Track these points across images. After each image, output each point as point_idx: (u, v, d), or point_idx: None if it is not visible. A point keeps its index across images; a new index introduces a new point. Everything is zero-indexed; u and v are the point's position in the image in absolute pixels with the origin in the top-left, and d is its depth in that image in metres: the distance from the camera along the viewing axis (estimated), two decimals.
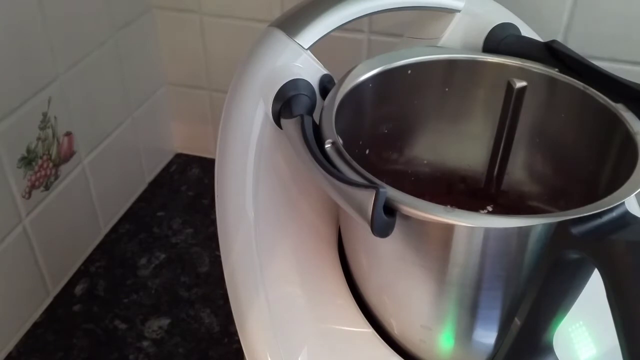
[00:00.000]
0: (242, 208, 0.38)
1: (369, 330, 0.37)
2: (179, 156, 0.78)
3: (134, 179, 0.71)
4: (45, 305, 0.58)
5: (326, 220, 0.40)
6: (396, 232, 0.29)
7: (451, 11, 0.44)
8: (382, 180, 0.30)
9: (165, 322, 0.57)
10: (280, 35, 0.38)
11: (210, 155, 0.78)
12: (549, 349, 0.35)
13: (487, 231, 0.30)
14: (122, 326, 0.56)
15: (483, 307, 0.33)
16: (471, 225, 0.30)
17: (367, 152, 0.40)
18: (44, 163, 0.55)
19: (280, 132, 0.37)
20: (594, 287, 0.31)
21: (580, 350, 0.39)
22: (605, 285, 0.27)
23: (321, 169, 0.30)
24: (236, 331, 0.38)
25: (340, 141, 0.33)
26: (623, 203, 0.29)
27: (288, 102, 0.36)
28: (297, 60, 0.38)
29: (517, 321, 0.33)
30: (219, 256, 0.39)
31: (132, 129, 0.68)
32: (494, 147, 0.42)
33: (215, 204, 0.39)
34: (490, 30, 0.42)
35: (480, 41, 0.43)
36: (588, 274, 0.32)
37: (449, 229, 0.30)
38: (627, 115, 0.34)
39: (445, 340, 0.36)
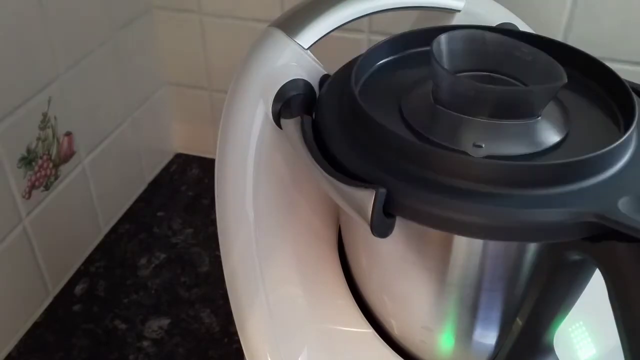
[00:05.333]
0: (242, 208, 0.38)
1: (369, 330, 0.37)
2: (179, 156, 0.78)
3: (134, 179, 0.71)
4: (45, 305, 0.58)
5: (326, 220, 0.40)
6: (396, 233, 0.29)
7: (451, 11, 0.44)
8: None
9: (165, 322, 0.57)
10: (280, 36, 0.38)
11: (210, 155, 0.78)
12: (549, 349, 0.35)
13: None
14: (122, 326, 0.56)
15: (484, 308, 0.33)
16: None
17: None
18: (44, 163, 0.55)
19: (280, 132, 0.37)
20: (594, 287, 0.31)
21: (580, 350, 0.39)
22: (607, 286, 0.27)
23: (321, 169, 0.30)
24: (236, 331, 0.38)
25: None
26: None
27: (288, 102, 0.36)
28: (297, 60, 0.38)
29: (519, 321, 0.33)
30: (219, 256, 0.39)
31: (132, 129, 0.68)
32: None
33: (215, 204, 0.39)
34: None
35: None
36: (589, 274, 0.32)
37: None
38: None
39: (446, 340, 0.36)
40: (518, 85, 0.33)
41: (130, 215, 0.69)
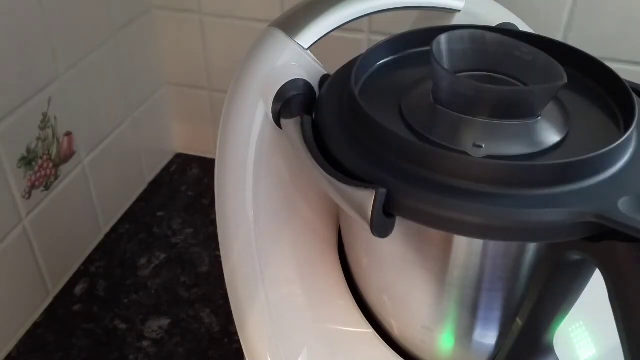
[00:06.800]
0: (242, 208, 0.38)
1: (369, 330, 0.37)
2: (179, 156, 0.78)
3: (134, 179, 0.71)
4: (45, 305, 0.58)
5: (326, 220, 0.40)
6: (396, 232, 0.29)
7: (451, 11, 0.44)
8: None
9: (165, 322, 0.57)
10: (280, 35, 0.38)
11: (210, 155, 0.78)
12: (549, 349, 0.35)
13: None
14: (122, 326, 0.56)
15: (484, 308, 0.33)
16: None
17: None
18: (44, 163, 0.55)
19: (280, 133, 0.37)
20: (594, 287, 0.31)
21: (580, 350, 0.39)
22: (607, 286, 0.27)
23: (321, 169, 0.30)
24: (236, 331, 0.38)
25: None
26: None
27: (288, 102, 0.36)
28: (297, 60, 0.38)
29: (519, 321, 0.33)
30: (219, 256, 0.39)
31: (132, 129, 0.68)
32: None
33: (215, 204, 0.39)
34: None
35: None
36: (589, 274, 0.32)
37: None
38: None
39: (446, 340, 0.36)
40: (518, 85, 0.33)
41: (130, 215, 0.69)
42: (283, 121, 0.36)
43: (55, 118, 0.55)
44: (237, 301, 0.38)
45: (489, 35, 0.34)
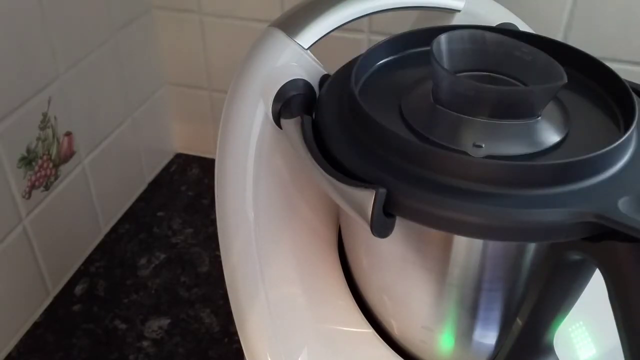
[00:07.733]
0: (242, 208, 0.38)
1: (369, 330, 0.38)
2: (179, 156, 0.78)
3: (134, 179, 0.71)
4: (45, 305, 0.58)
5: (326, 220, 0.40)
6: (396, 233, 0.29)
7: (451, 11, 0.44)
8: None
9: (165, 322, 0.57)
10: (280, 35, 0.38)
11: (210, 155, 0.78)
12: (549, 349, 0.35)
13: None
14: (122, 326, 0.56)
15: (484, 308, 0.33)
16: None
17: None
18: (44, 163, 0.55)
19: (280, 133, 0.37)
20: (594, 287, 0.31)
21: (580, 350, 0.39)
22: (607, 286, 0.27)
23: (321, 169, 0.30)
24: (236, 331, 0.38)
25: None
26: None
27: (288, 102, 0.36)
28: (297, 60, 0.38)
29: (519, 321, 0.33)
30: (219, 256, 0.39)
31: (132, 129, 0.68)
32: None
33: (215, 204, 0.39)
34: None
35: None
36: (589, 274, 0.32)
37: None
38: None
39: (446, 340, 0.36)
40: (518, 85, 0.33)
41: (130, 215, 0.69)
42: (283, 121, 0.36)
43: (55, 118, 0.55)
44: (237, 301, 0.38)
45: (489, 35, 0.34)
